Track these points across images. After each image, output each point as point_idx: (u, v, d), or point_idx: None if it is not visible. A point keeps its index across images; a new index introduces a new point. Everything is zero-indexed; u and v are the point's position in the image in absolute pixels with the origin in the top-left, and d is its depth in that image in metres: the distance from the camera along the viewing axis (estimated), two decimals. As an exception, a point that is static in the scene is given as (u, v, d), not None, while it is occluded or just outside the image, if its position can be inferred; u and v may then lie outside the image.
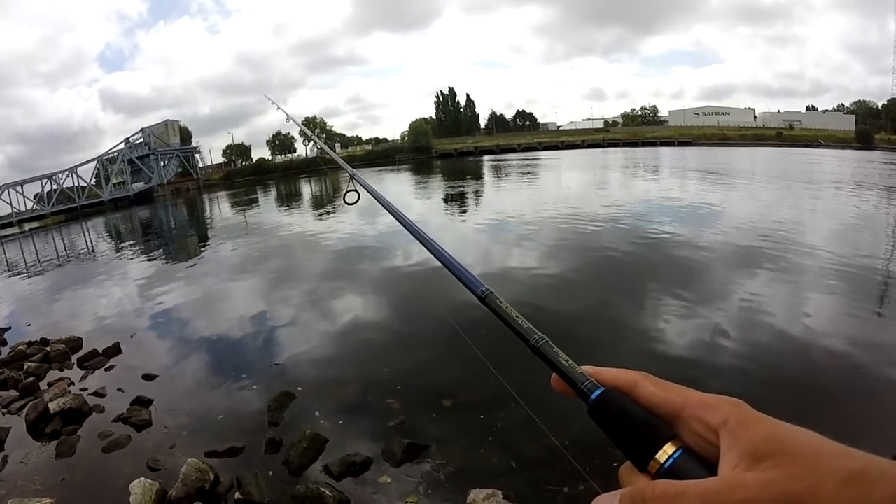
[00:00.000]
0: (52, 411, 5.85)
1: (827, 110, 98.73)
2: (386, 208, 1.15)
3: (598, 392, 0.52)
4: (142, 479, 4.28)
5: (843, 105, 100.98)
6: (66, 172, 58.07)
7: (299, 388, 6.21)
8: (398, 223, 1.06)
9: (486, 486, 4.00)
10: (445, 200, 26.34)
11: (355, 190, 1.53)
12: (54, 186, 56.57)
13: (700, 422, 0.46)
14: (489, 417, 5.24)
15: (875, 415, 5.01)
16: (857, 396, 5.30)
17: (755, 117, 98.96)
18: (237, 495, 4.26)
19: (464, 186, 33.25)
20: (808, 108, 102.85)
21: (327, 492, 4.08)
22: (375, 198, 1.26)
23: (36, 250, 27.20)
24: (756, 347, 6.53)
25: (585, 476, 4.16)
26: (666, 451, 0.46)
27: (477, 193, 28.99)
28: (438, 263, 0.84)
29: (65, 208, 55.01)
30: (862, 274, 9.39)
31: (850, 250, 11.00)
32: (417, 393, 5.93)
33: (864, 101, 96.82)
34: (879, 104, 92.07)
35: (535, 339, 0.59)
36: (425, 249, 0.92)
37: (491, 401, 5.50)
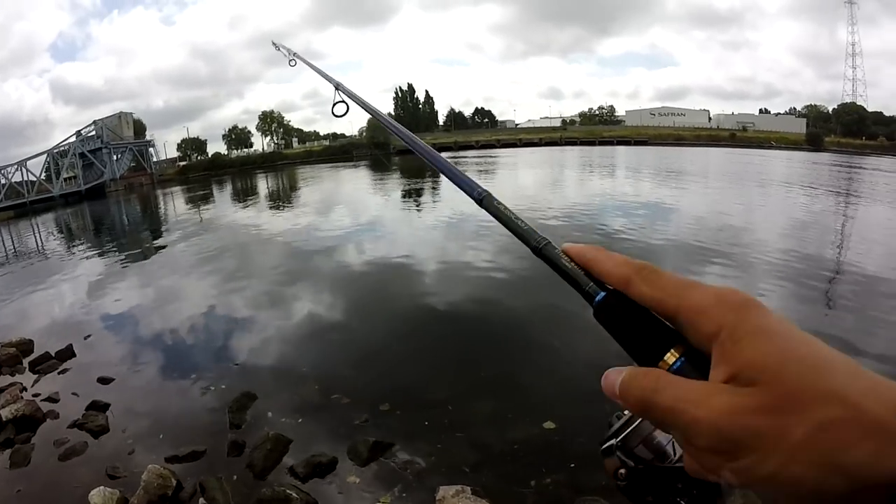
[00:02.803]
0: (3, 419, 5.63)
1: (779, 113, 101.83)
2: (375, 116, 1.16)
3: (601, 295, 0.50)
4: (101, 487, 4.17)
5: (794, 108, 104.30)
6: (15, 166, 55.83)
7: (260, 388, 6.13)
8: (390, 131, 1.07)
9: (455, 483, 4.03)
10: (403, 198, 26.37)
11: (343, 101, 1.50)
12: (2, 181, 54.28)
13: (694, 328, 0.43)
14: (453, 413, 5.30)
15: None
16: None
17: (710, 119, 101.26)
18: (201, 501, 4.19)
19: (422, 184, 33.30)
20: (760, 110, 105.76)
21: (294, 494, 4.05)
22: (363, 106, 1.26)
23: (-19, 249, 26.18)
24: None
25: (551, 467, 4.25)
26: (668, 361, 0.45)
27: (434, 190, 29.08)
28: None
29: (13, 204, 52.62)
30: (807, 270, 9.77)
31: (796, 247, 11.43)
32: (380, 390, 5.91)
33: (816, 106, 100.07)
34: (830, 108, 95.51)
35: (536, 240, 0.57)
36: (423, 161, 0.91)
37: (454, 396, 5.56)
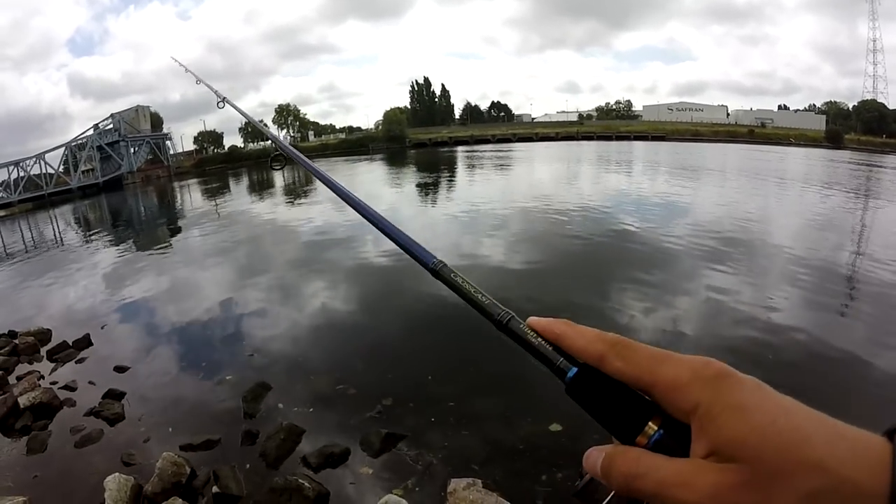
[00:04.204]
0: (21, 406, 5.72)
1: (798, 110, 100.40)
2: (314, 173, 1.07)
3: (573, 371, 0.49)
4: (116, 474, 4.22)
5: (814, 105, 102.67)
6: (34, 159, 56.23)
7: (274, 379, 6.18)
8: (336, 196, 0.94)
9: (466, 476, 4.03)
10: (418, 191, 26.41)
11: (281, 154, 1.47)
12: (21, 174, 54.84)
13: (670, 404, 0.43)
14: (464, 406, 5.30)
15: (839, 409, 5.17)
16: (821, 389, 5.45)
17: (728, 114, 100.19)
18: (214, 489, 4.23)
19: (437, 177, 33.33)
20: (779, 106, 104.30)
21: (306, 483, 4.07)
22: (303, 163, 1.18)
23: (2, 239, 26.48)
24: (719, 340, 6.68)
25: (562, 464, 4.24)
26: (647, 434, 0.44)
27: (450, 184, 29.07)
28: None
29: (32, 196, 53.22)
30: (823, 268, 9.68)
31: (813, 245, 11.35)
32: (392, 382, 5.94)
33: (835, 103, 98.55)
34: (850, 105, 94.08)
35: (500, 314, 0.56)
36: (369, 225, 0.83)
37: (465, 390, 5.56)
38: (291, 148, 1.37)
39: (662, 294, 8.43)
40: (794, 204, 19.11)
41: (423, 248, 0.68)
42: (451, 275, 0.62)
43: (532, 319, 0.54)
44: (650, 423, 0.44)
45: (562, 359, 0.50)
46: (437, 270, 0.64)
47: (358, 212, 0.85)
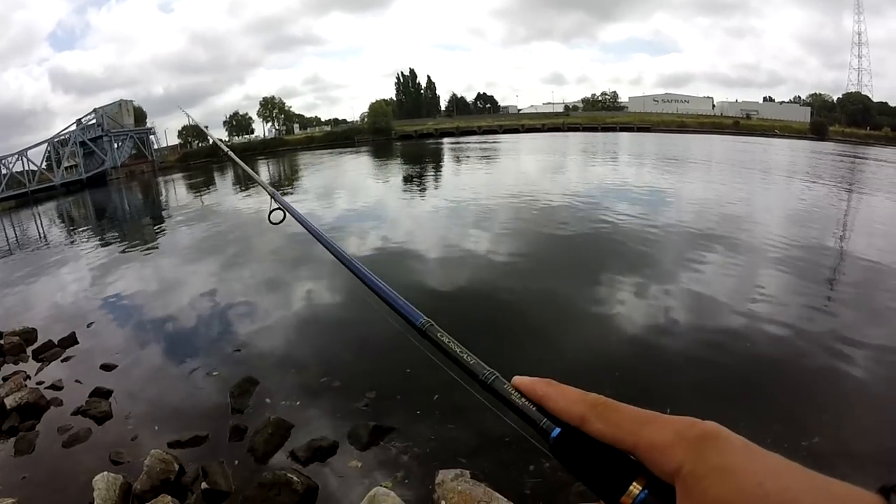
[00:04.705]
0: (8, 407, 5.70)
1: (783, 102, 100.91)
2: (310, 231, 1.11)
3: (557, 431, 0.50)
4: (105, 473, 4.22)
5: (799, 97, 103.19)
6: (16, 156, 55.56)
7: (261, 374, 6.20)
8: (326, 249, 0.98)
9: (454, 467, 4.07)
10: (404, 183, 26.41)
11: (280, 209, 1.49)
12: (3, 171, 54.10)
13: (654, 465, 0.43)
14: (451, 398, 5.30)
15: (823, 408, 5.29)
16: (805, 389, 5.53)
17: (713, 106, 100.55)
18: (203, 485, 4.25)
19: (423, 169, 33.31)
20: (764, 98, 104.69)
21: (295, 478, 4.10)
22: (300, 221, 1.20)
23: (-16, 238, 26.19)
24: (704, 338, 6.71)
25: (549, 455, 4.28)
26: (631, 494, 0.44)
27: (436, 176, 29.07)
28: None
29: (15, 194, 52.49)
30: (808, 259, 9.81)
31: (795, 237, 11.48)
32: (378, 375, 5.98)
33: (820, 95, 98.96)
34: (835, 98, 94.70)
35: (484, 374, 0.56)
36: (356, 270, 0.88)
37: (451, 381, 5.56)
38: (289, 203, 1.41)
39: (644, 289, 8.49)
40: (777, 195, 19.30)
41: (412, 308, 0.70)
42: (438, 334, 0.63)
43: (517, 379, 0.53)
44: (635, 484, 0.44)
45: (545, 419, 0.50)
46: (424, 330, 0.65)
47: (352, 271, 0.91)
